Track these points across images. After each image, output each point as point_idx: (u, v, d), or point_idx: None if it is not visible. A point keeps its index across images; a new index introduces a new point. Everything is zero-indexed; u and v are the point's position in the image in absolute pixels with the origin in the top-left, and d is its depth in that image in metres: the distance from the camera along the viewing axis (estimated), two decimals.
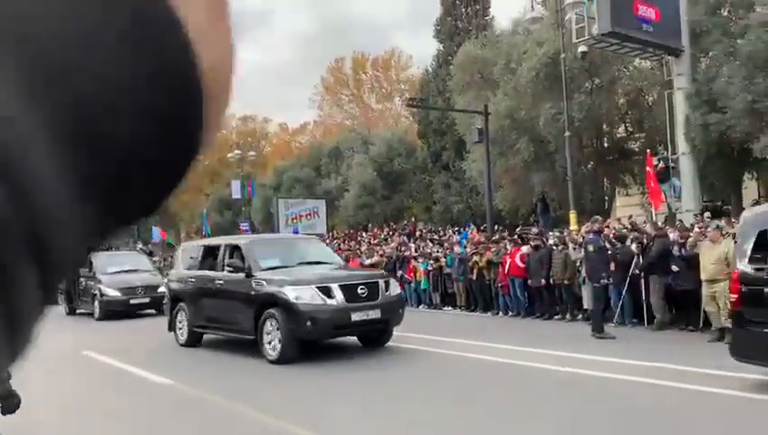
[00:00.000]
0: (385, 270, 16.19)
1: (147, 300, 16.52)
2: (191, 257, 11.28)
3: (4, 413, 3.22)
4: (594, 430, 5.40)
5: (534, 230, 14.61)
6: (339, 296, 8.79)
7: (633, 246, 11.06)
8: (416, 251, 17.60)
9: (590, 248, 10.63)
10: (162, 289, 16.37)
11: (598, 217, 12.28)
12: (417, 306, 15.99)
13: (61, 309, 18.58)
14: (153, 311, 16.27)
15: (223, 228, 38.17)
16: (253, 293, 9.15)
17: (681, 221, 14.20)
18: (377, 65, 43.54)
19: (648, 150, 16.74)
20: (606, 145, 21.18)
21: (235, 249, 10.12)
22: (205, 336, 10.88)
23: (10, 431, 4.18)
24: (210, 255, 10.76)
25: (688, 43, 16.55)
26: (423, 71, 31.70)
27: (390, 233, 24.32)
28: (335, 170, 33.38)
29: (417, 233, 23.43)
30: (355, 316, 8.81)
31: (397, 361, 8.90)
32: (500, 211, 22.18)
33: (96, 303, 16.49)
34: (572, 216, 17.16)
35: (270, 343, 8.81)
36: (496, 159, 20.60)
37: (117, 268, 17.34)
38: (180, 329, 10.88)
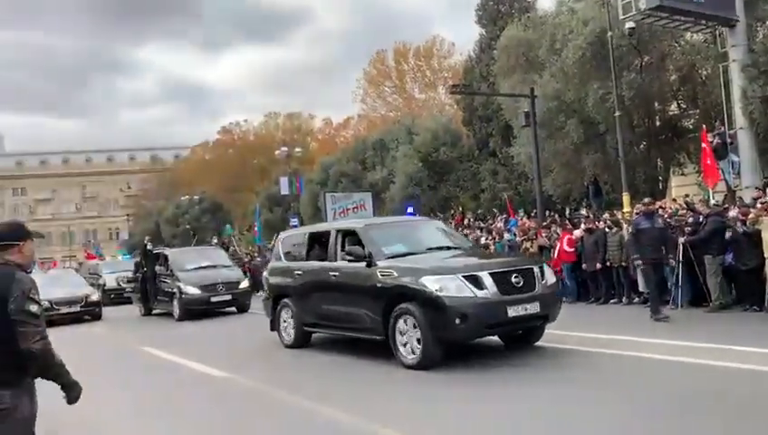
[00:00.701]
0: None
1: (228, 297, 15.61)
2: (293, 247, 10.13)
3: (69, 403, 3.29)
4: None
5: (583, 212, 14.23)
6: (491, 287, 7.22)
7: (681, 239, 10.69)
8: None
9: (637, 228, 10.23)
10: (244, 285, 16.14)
11: (646, 198, 11.93)
12: None
13: (135, 310, 18.34)
14: (234, 309, 15.81)
15: (272, 225, 38.74)
16: (379, 285, 7.72)
17: (741, 198, 13.66)
18: (419, 55, 43.25)
19: (704, 127, 16.14)
20: (658, 124, 20.52)
21: (348, 235, 8.83)
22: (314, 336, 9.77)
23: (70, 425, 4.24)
24: (318, 243, 9.53)
25: (743, 12, 15.83)
26: (466, 57, 31.33)
27: None
28: (380, 163, 33.36)
29: (465, 222, 23.21)
30: (512, 311, 7.24)
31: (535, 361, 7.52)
32: (550, 196, 21.78)
33: (175, 302, 15.63)
34: (626, 198, 16.73)
35: (405, 344, 7.41)
36: (545, 143, 20.23)
37: (195, 265, 16.46)
38: (285, 328, 9.75)
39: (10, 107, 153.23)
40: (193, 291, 15.34)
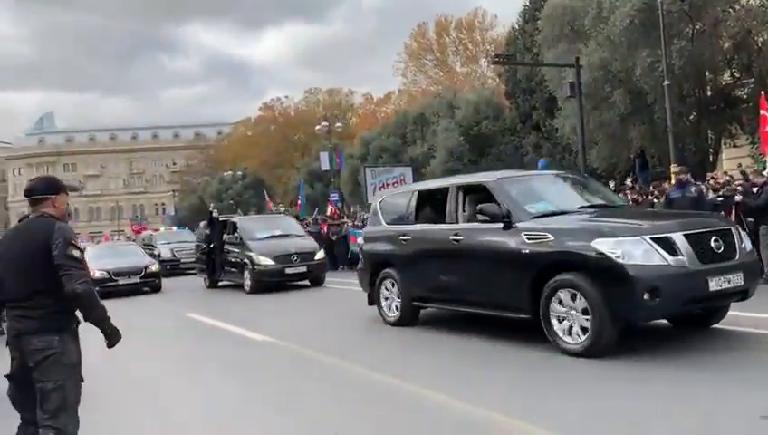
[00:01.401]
0: None
1: (303, 269, 14.29)
2: (397, 208, 8.61)
3: (108, 347, 3.46)
4: None
5: (628, 182, 13.82)
6: (687, 252, 5.60)
7: (736, 196, 10.30)
8: None
9: (668, 199, 9.82)
10: (319, 256, 14.79)
11: (683, 166, 11.51)
12: None
13: (195, 282, 17.70)
14: (308, 282, 14.63)
15: (313, 200, 39.01)
16: (526, 251, 6.16)
17: None
18: (460, 28, 42.61)
19: (762, 93, 15.45)
20: (709, 93, 19.74)
21: (472, 192, 7.34)
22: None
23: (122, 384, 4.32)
24: (430, 203, 8.10)
25: None
26: (509, 29, 30.72)
27: None
28: (421, 137, 33.15)
29: None
30: (713, 284, 5.61)
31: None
32: (595, 169, 21.28)
33: (246, 273, 14.38)
34: (674, 170, 16.21)
35: (565, 325, 5.89)
36: (590, 115, 19.70)
37: (266, 233, 15.19)
38: (388, 303, 8.35)
39: (60, 85, 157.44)
40: (266, 262, 14.01)
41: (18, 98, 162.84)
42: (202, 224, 18.19)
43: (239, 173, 55.89)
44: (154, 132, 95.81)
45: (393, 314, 8.25)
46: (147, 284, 16.51)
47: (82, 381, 3.38)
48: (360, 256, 9.35)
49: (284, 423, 4.61)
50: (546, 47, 22.12)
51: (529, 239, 6.20)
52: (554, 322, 5.95)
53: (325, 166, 36.57)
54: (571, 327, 5.84)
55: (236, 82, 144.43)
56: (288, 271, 14.14)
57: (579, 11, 20.20)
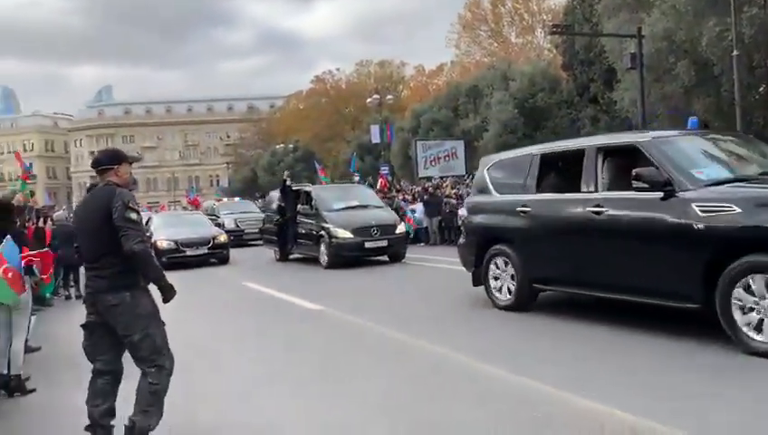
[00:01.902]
0: None
1: (383, 243, 13.21)
2: (511, 175, 7.34)
3: (164, 302, 3.67)
4: None
5: None
6: None
7: None
8: None
9: None
10: (400, 229, 13.71)
11: None
12: None
13: (262, 254, 16.96)
14: (386, 257, 13.53)
15: (363, 173, 39.06)
16: (698, 226, 5.03)
17: None
18: None
19: None
20: None
21: (616, 154, 6.23)
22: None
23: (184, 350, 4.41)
24: (560, 168, 7.01)
25: None
26: None
27: None
28: (473, 110, 32.65)
29: None
30: None
31: None
32: None
33: (323, 247, 13.35)
34: None
35: (761, 320, 4.73)
36: (651, 87, 19.02)
37: (343, 204, 14.12)
38: (499, 284, 7.20)
39: (117, 59, 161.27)
40: (345, 235, 13.00)
41: (78, 72, 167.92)
42: (272, 193, 17.57)
43: (290, 146, 56.38)
44: (208, 105, 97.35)
45: (505, 298, 7.13)
46: (215, 255, 15.70)
47: (164, 324, 3.65)
48: (463, 231, 8.21)
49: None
50: (606, 17, 21.36)
51: (703, 212, 5.03)
52: (737, 314, 4.83)
53: (376, 139, 36.51)
54: (761, 321, 4.71)
55: (289, 54, 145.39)
56: (368, 245, 13.03)
57: None
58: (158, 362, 3.55)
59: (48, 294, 9.96)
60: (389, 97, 43.09)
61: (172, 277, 3.83)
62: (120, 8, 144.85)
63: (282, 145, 57.45)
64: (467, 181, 25.39)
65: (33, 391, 5.15)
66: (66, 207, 23.03)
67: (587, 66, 25.58)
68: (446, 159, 30.10)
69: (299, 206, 14.76)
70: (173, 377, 3.69)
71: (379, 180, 25.32)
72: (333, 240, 13.05)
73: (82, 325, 3.71)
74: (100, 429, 3.57)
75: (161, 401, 3.56)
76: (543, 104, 27.97)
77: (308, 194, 14.80)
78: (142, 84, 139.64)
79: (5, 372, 5.09)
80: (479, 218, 7.69)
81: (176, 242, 15.01)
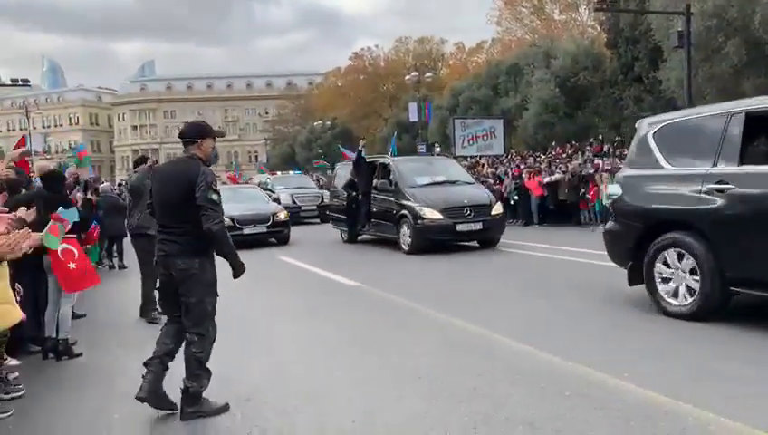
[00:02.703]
0: (569, 189, 15.56)
1: (478, 226, 11.07)
2: (697, 140, 5.62)
3: (234, 278, 3.93)
4: None
5: None
6: None
7: None
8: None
9: None
10: (497, 210, 11.44)
11: None
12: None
13: (323, 233, 15.59)
14: (477, 244, 11.56)
15: (400, 152, 38.93)
16: None
17: None
18: None
19: None
20: None
21: None
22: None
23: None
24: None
25: None
26: None
27: (574, 152, 23.07)
28: (514, 88, 32.18)
29: (604, 152, 21.97)
30: None
31: None
32: None
33: (405, 228, 11.42)
34: None
35: None
36: (699, 67, 18.43)
37: (428, 179, 12.08)
38: (670, 286, 5.59)
39: (159, 35, 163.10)
40: (432, 215, 11.06)
41: (122, 47, 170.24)
42: (339, 167, 15.77)
43: (328, 123, 56.49)
44: (248, 81, 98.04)
45: (682, 303, 5.46)
46: (274, 234, 13.98)
47: (218, 295, 3.91)
48: (613, 213, 6.35)
49: None
50: None
51: None
52: None
53: (413, 117, 36.29)
54: None
55: (328, 31, 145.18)
56: (460, 228, 11.01)
57: None
58: (201, 329, 3.81)
59: (93, 263, 10.28)
60: (428, 75, 42.68)
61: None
62: None
63: (320, 122, 57.61)
64: (504, 159, 25.13)
65: (79, 355, 5.35)
66: (109, 179, 23.47)
67: (632, 44, 24.90)
68: (485, 138, 29.75)
69: (374, 180, 12.83)
70: (220, 345, 3.90)
71: None
72: (419, 221, 11.14)
73: (157, 288, 4.13)
74: (159, 363, 3.85)
75: (206, 365, 3.84)
76: (586, 83, 27.38)
77: (385, 167, 12.77)
78: (184, 60, 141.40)
79: (54, 335, 5.29)
80: (641, 198, 5.94)
81: (232, 219, 12.65)
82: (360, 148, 13.99)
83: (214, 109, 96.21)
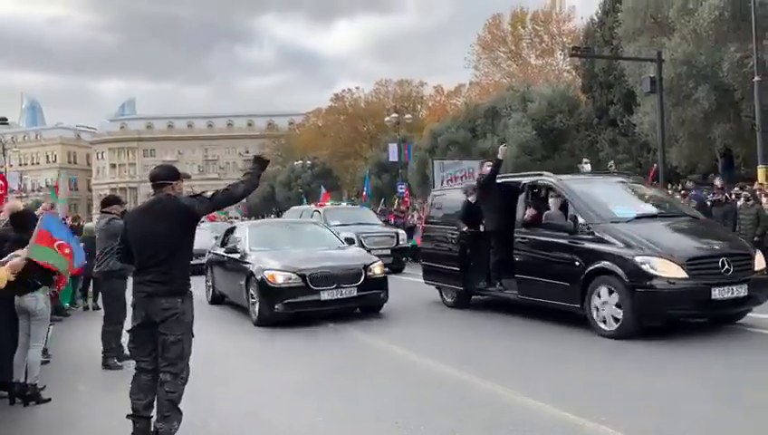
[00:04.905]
0: None
1: (743, 291, 6.59)
2: None
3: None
4: None
5: (718, 183, 13.05)
6: None
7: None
8: None
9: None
10: (760, 264, 6.98)
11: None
12: None
13: (426, 292, 10.03)
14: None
15: (380, 192, 39.13)
16: None
17: None
18: (537, 19, 41.61)
19: None
20: None
21: None
22: None
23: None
24: None
25: None
26: (587, 21, 29.81)
27: None
28: (491, 131, 32.63)
29: None
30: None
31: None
32: (674, 168, 20.45)
33: (605, 293, 6.82)
34: (761, 171, 15.39)
35: None
36: (671, 111, 18.93)
37: (633, 209, 7.58)
38: None
39: (141, 74, 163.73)
40: (670, 271, 6.51)
41: (103, 86, 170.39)
42: (437, 194, 11.18)
43: (308, 162, 56.75)
44: (229, 120, 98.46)
45: None
46: (367, 299, 8.75)
47: (193, 336, 3.98)
48: None
49: None
50: (626, 40, 21.38)
51: None
52: None
53: (393, 157, 36.59)
54: None
55: (309, 72, 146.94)
56: (717, 294, 6.47)
57: (662, 3, 19.43)
58: (176, 369, 3.84)
59: (66, 304, 10.09)
60: (408, 116, 43.21)
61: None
62: (145, 24, 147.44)
63: (300, 161, 57.87)
64: None
65: (48, 400, 5.21)
66: (86, 218, 23.20)
67: (606, 89, 25.56)
68: (464, 178, 30.00)
69: (526, 210, 8.21)
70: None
71: (401, 198, 25.33)
72: (645, 283, 6.51)
73: (129, 330, 4.08)
74: (143, 419, 3.88)
75: (177, 405, 3.86)
76: (562, 126, 27.91)
77: (550, 190, 8.25)
78: (165, 99, 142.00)
79: (22, 380, 5.15)
80: None
81: (302, 275, 8.26)
82: (499, 158, 8.71)
83: (194, 148, 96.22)
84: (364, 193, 30.93)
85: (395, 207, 22.92)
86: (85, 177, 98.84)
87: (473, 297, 9.27)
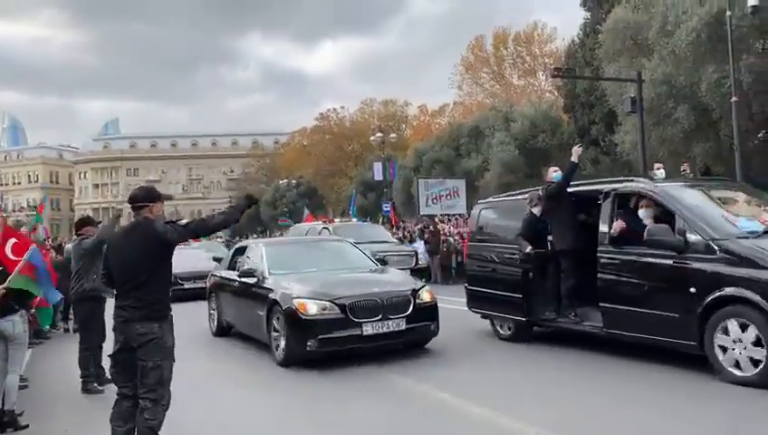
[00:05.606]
0: None
1: None
2: None
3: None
4: None
5: None
6: None
7: None
8: None
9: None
10: None
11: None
12: None
13: (470, 321, 8.86)
14: None
15: (365, 210, 39.19)
16: None
17: None
18: (519, 40, 42.18)
19: None
20: None
21: None
22: None
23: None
24: None
25: None
26: (569, 42, 30.25)
27: None
28: (475, 150, 32.90)
29: None
30: None
31: None
32: None
33: (733, 330, 5.45)
34: None
35: None
36: (651, 131, 19.17)
37: (760, 225, 5.98)
38: None
39: (125, 94, 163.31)
40: None
41: (86, 105, 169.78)
42: (481, 204, 9.82)
43: (293, 181, 56.74)
44: (213, 140, 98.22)
45: None
46: (416, 331, 7.37)
47: (174, 361, 3.93)
48: None
49: None
50: (607, 61, 21.68)
51: None
52: None
53: (378, 176, 36.78)
54: None
55: (293, 92, 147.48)
56: None
57: (642, 25, 19.74)
58: (155, 395, 3.78)
59: (46, 327, 9.95)
60: (393, 135, 43.49)
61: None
62: (129, 44, 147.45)
63: (285, 181, 57.84)
64: (468, 219, 25.41)
65: (26, 426, 5.12)
66: (68, 239, 22.98)
67: (588, 109, 25.87)
68: (448, 197, 30.15)
69: (611, 223, 6.72)
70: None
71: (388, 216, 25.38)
72: None
73: (110, 355, 4.01)
74: None
75: (157, 432, 3.80)
76: (545, 145, 28.18)
77: (640, 197, 6.83)
78: (149, 119, 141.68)
79: (0, 406, 5.07)
80: None
81: (340, 305, 6.97)
82: (573, 161, 7.47)
83: (178, 167, 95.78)
84: (350, 212, 30.98)
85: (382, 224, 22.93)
86: (68, 196, 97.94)
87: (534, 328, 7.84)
